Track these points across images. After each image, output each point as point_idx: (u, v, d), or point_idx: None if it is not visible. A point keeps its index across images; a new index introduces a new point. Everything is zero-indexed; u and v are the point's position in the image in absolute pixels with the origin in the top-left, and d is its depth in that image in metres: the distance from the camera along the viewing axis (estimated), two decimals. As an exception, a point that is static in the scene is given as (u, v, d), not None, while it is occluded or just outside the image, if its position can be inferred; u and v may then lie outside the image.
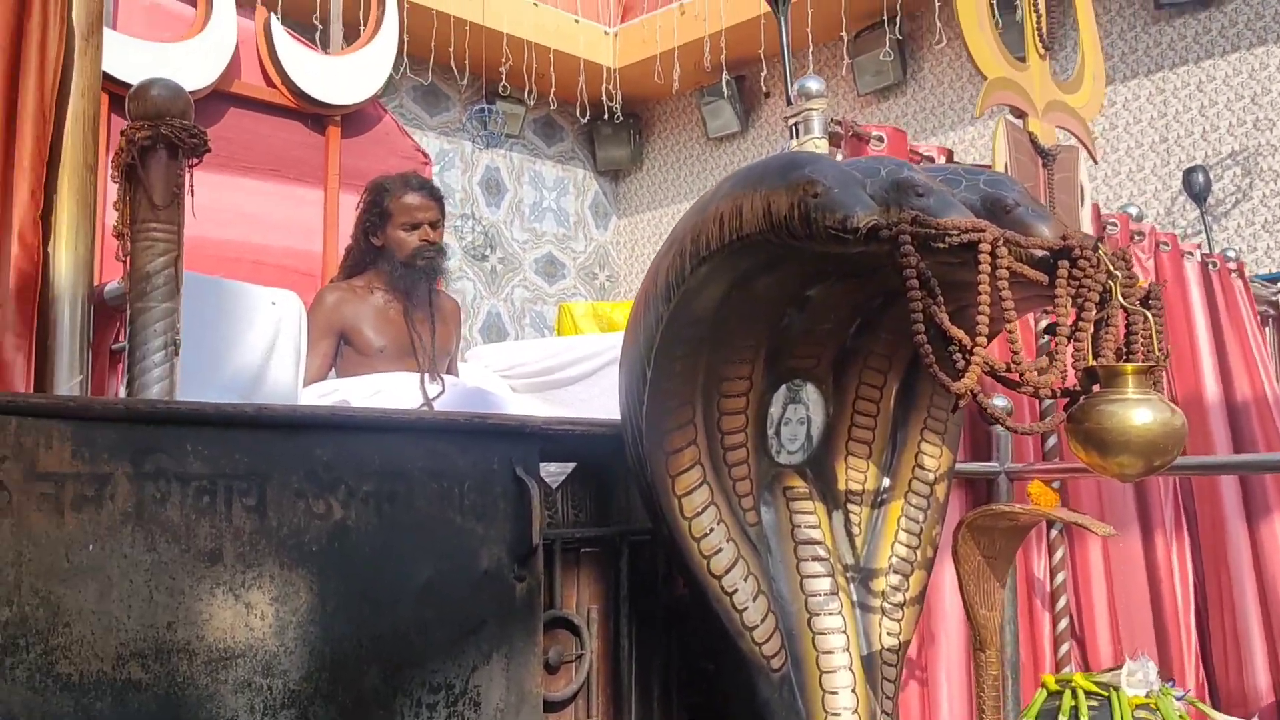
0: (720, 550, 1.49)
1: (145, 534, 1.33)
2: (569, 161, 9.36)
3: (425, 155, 3.56)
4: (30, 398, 1.27)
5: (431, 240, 2.67)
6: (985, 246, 1.14)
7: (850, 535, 1.62)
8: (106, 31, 2.83)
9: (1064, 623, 2.88)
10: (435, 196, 2.71)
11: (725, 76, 8.18)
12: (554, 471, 1.84)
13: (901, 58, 7.72)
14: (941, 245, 1.18)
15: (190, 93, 2.98)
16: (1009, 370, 1.17)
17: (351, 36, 3.59)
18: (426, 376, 2.59)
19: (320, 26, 4.97)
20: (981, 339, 1.15)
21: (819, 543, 1.56)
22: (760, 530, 1.56)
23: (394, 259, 2.66)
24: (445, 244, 2.72)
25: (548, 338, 7.98)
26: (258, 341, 2.02)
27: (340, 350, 2.66)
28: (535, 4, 8.18)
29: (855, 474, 1.62)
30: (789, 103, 2.66)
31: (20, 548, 1.24)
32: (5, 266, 1.39)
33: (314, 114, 3.28)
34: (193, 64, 2.98)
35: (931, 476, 1.62)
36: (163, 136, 1.48)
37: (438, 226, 2.71)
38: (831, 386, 1.62)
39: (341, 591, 1.41)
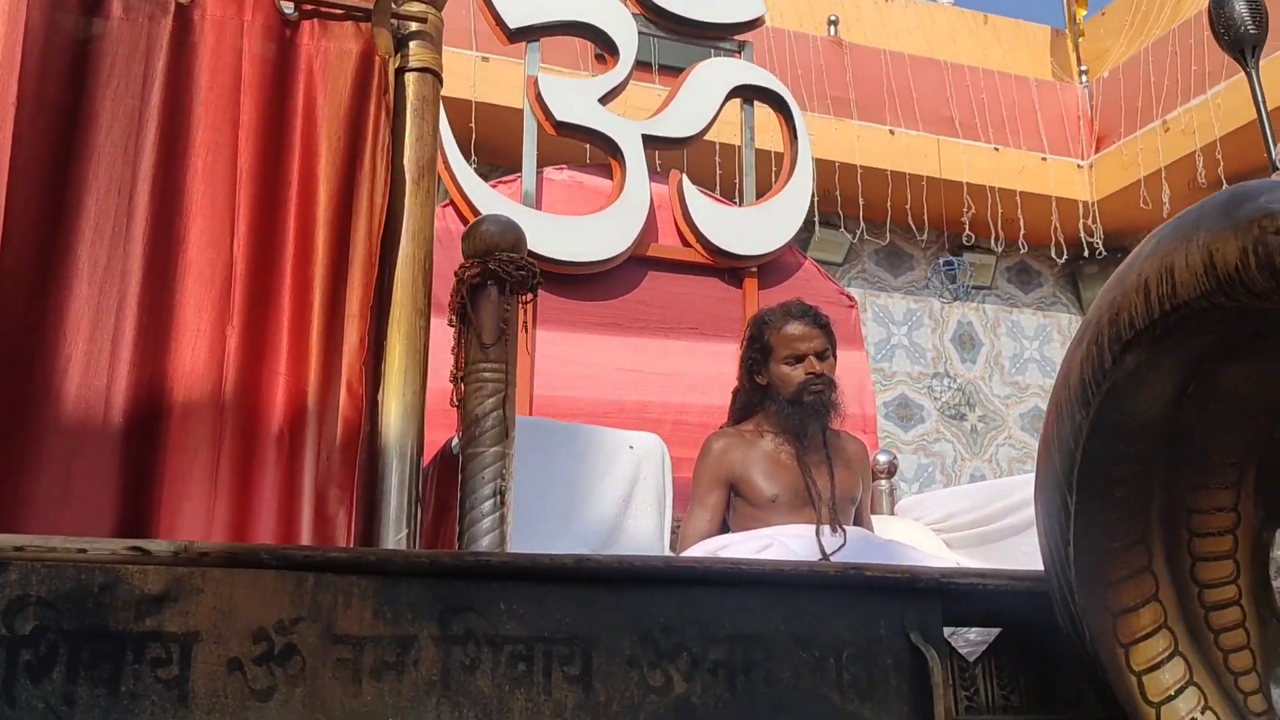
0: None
1: (452, 707, 1.17)
2: (1050, 307, 8.69)
3: (850, 299, 3.33)
4: (328, 551, 1.18)
5: (818, 372, 2.40)
6: None
7: None
8: (530, 212, 2.99)
9: None
10: (820, 324, 2.44)
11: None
12: (974, 640, 1.48)
13: None
14: None
15: (608, 259, 3.07)
16: None
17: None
18: (825, 528, 2.27)
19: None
20: None
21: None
22: (1272, 722, 1.12)
23: (779, 397, 2.42)
24: (835, 379, 2.43)
25: (989, 480, 7.26)
26: (614, 489, 1.86)
27: (732, 502, 2.43)
28: (996, 149, 7.83)
29: None
30: (1274, 169, 2.14)
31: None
32: (332, 416, 1.35)
33: (730, 268, 3.21)
34: (609, 231, 3.03)
35: None
36: (491, 272, 1.39)
37: (825, 357, 2.43)
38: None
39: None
